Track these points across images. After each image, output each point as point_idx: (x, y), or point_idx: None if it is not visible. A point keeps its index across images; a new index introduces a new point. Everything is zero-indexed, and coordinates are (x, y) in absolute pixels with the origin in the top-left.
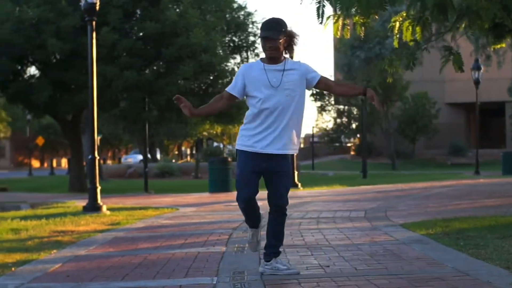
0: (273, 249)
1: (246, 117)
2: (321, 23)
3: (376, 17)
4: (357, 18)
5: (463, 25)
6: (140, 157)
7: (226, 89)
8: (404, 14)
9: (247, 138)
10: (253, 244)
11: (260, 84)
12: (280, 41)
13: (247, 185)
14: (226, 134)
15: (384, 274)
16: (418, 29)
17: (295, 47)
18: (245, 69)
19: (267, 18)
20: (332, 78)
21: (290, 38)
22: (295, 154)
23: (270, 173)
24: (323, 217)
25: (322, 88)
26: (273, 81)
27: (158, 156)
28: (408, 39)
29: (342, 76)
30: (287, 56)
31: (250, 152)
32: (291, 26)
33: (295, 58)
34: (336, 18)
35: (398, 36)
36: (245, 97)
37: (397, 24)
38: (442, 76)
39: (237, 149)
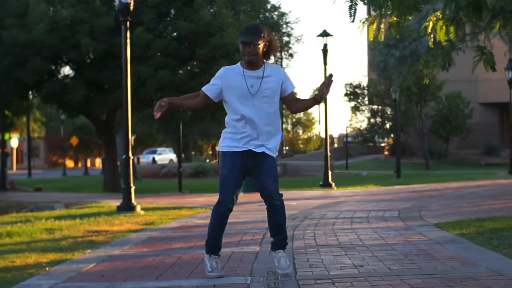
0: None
1: (227, 123)
2: (353, 21)
3: (410, 18)
4: (391, 19)
5: (497, 26)
6: (152, 156)
7: (203, 88)
8: (439, 14)
9: (230, 140)
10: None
11: (238, 90)
12: (259, 46)
13: (234, 187)
14: None
15: (418, 273)
16: (452, 28)
17: (273, 53)
18: (225, 73)
19: (247, 25)
20: (366, 78)
21: (270, 44)
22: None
23: (256, 171)
24: (357, 217)
25: (286, 101)
26: (251, 88)
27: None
28: (442, 39)
29: (376, 75)
30: (268, 60)
31: (235, 152)
32: (273, 33)
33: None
34: (370, 21)
35: (432, 36)
36: (224, 101)
37: (431, 24)
38: (475, 76)
39: (221, 151)
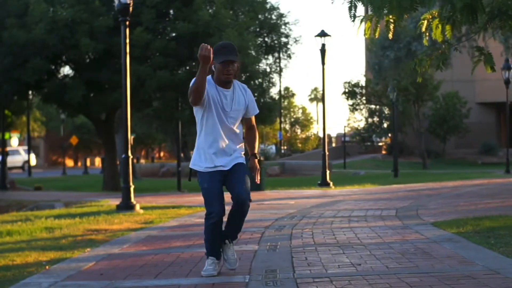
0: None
1: (199, 136)
2: (353, 21)
3: (406, 16)
4: (388, 17)
5: (493, 26)
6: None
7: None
8: (434, 12)
9: (203, 158)
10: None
11: (216, 105)
12: (236, 64)
13: (218, 198)
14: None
15: (415, 272)
16: (448, 27)
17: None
18: (208, 80)
19: (220, 42)
20: (363, 78)
21: (238, 64)
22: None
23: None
24: (354, 216)
25: (248, 122)
26: (226, 106)
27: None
28: (438, 38)
29: (372, 75)
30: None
31: (211, 172)
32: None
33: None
34: (367, 19)
35: (427, 34)
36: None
37: (425, 22)
38: (472, 76)
39: (197, 170)
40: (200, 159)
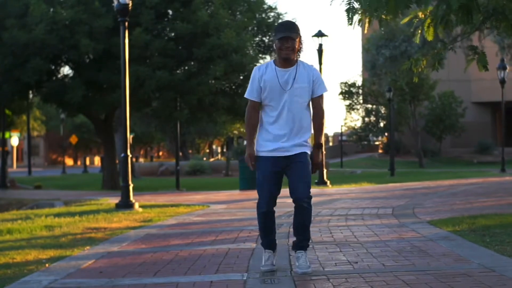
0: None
1: (261, 122)
2: (350, 24)
3: (400, 15)
4: (383, 16)
5: (488, 26)
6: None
7: (248, 97)
8: (427, 12)
9: (265, 142)
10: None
11: (273, 87)
12: (297, 41)
13: (270, 186)
14: None
15: (412, 270)
16: (440, 27)
17: (301, 52)
18: (259, 72)
19: (282, 21)
20: (360, 78)
21: (301, 42)
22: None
23: (289, 168)
24: (351, 214)
25: (313, 104)
26: (285, 85)
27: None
28: (429, 37)
29: (367, 74)
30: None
31: (271, 157)
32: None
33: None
34: (363, 15)
35: (420, 32)
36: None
37: (420, 15)
38: (468, 76)
39: (257, 156)
40: None
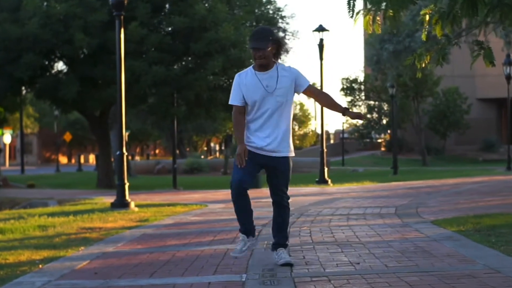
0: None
1: (246, 125)
2: (351, 17)
3: (404, 10)
4: (388, 12)
5: (494, 20)
6: None
7: (232, 103)
8: (433, 7)
9: (249, 142)
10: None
11: (255, 91)
12: (268, 49)
13: (242, 170)
14: None
15: (415, 271)
16: (448, 23)
17: (283, 54)
18: (240, 78)
19: (256, 28)
20: (362, 74)
21: (278, 45)
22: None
23: (270, 169)
24: (353, 214)
25: (308, 95)
26: (267, 87)
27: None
28: (438, 33)
29: (370, 69)
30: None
31: (254, 152)
32: (279, 34)
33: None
34: (366, 12)
35: (427, 29)
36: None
37: (427, 17)
38: (473, 71)
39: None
40: None
